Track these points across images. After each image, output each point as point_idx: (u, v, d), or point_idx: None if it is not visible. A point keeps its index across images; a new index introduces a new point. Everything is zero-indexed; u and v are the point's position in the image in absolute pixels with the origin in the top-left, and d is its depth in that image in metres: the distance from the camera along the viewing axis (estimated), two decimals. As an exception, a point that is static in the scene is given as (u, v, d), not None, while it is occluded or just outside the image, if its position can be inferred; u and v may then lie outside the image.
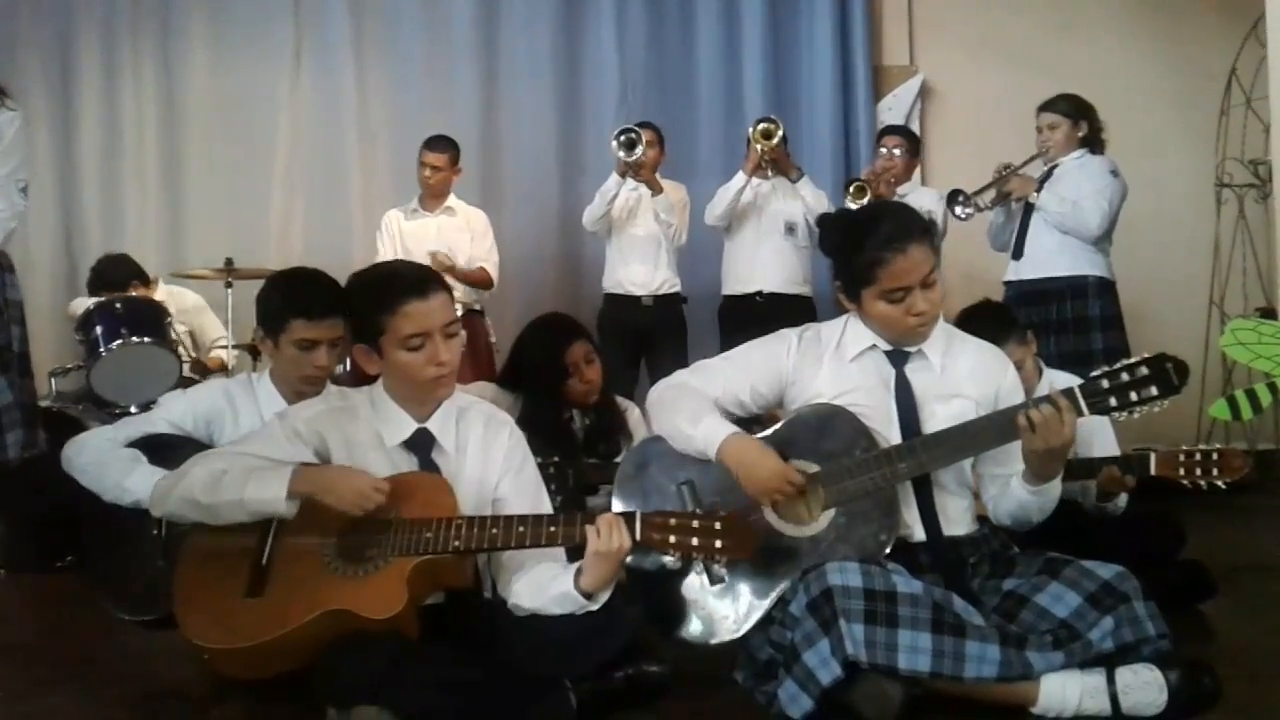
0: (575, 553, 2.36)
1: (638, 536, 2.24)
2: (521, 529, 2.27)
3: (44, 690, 2.69)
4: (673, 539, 2.22)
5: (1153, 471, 3.07)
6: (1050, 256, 4.63)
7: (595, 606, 2.25)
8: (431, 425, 2.43)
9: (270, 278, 3.03)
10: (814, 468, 2.42)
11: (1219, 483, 2.92)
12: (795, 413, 2.50)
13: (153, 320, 4.67)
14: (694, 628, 2.41)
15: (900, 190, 5.15)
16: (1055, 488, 2.46)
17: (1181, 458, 2.99)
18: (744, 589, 2.39)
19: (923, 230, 2.43)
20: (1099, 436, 3.35)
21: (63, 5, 5.91)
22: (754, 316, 4.98)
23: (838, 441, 2.41)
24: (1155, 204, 5.69)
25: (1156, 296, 5.70)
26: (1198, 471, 2.95)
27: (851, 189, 5.17)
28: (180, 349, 4.74)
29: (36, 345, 5.38)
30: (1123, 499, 3.26)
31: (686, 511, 2.30)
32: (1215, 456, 2.94)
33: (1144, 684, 2.14)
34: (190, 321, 5.54)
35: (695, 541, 2.21)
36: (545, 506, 2.53)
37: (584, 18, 6.29)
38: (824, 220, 2.66)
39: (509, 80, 6.22)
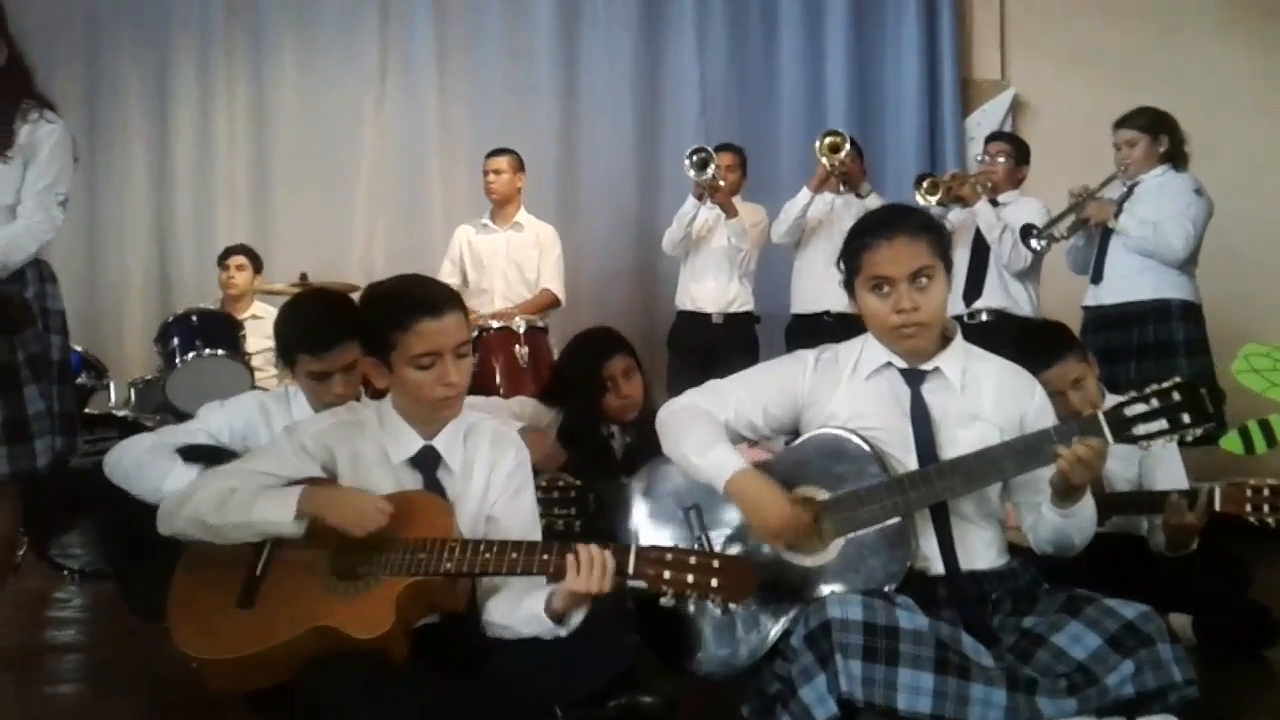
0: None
1: (630, 570, 2.15)
2: (514, 555, 2.20)
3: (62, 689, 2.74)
4: (667, 574, 2.12)
5: (1217, 507, 2.89)
6: (1131, 280, 4.39)
7: (564, 632, 2.17)
8: (438, 443, 2.39)
9: (281, 309, 3.03)
10: (824, 494, 2.31)
11: (1291, 521, 2.74)
12: (807, 436, 2.39)
13: (226, 333, 4.82)
14: (697, 661, 2.33)
15: (1002, 199, 4.96)
16: (1087, 507, 2.31)
17: (1249, 493, 2.80)
18: (750, 620, 2.29)
19: (919, 226, 2.33)
20: (1164, 467, 3.15)
21: (162, 29, 6.08)
22: (822, 336, 4.85)
23: (849, 467, 2.30)
24: (1258, 222, 5.39)
25: (1260, 320, 5.31)
26: (1266, 508, 2.77)
27: (924, 185, 4.98)
28: (252, 362, 4.84)
29: (131, 356, 5.65)
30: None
31: (685, 548, 2.21)
32: (1287, 492, 2.76)
33: (1164, 737, 1.99)
34: None
35: (690, 579, 2.11)
36: (535, 535, 2.46)
37: (665, 33, 6.25)
38: None
39: (589, 96, 6.22)
